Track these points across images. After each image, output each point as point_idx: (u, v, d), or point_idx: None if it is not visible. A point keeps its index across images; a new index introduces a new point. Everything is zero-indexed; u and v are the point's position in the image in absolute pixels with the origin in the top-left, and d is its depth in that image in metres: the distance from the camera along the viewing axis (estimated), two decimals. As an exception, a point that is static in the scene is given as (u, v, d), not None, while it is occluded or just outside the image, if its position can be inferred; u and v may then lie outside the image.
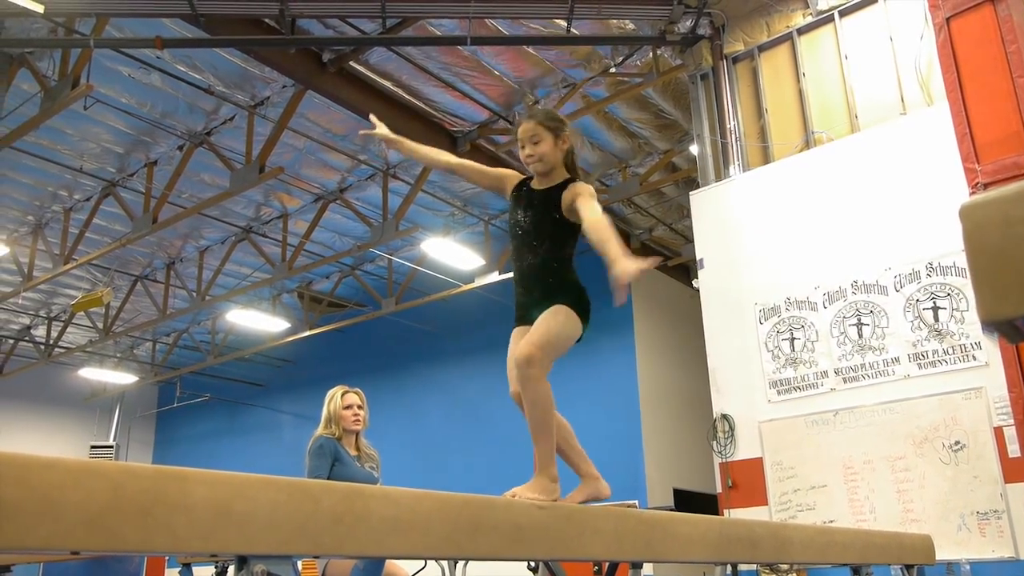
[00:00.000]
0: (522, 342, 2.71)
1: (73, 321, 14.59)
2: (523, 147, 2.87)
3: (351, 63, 8.16)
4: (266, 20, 7.38)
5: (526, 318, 2.84)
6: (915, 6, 6.27)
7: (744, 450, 6.18)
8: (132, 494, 1.30)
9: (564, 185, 2.82)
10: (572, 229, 2.80)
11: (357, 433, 4.26)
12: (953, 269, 5.53)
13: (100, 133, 9.29)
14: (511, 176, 3.03)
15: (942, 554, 4.59)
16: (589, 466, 2.91)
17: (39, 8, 5.90)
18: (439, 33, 7.74)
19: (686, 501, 10.86)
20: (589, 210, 2.68)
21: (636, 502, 10.09)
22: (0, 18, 6.69)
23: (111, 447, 16.25)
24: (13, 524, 1.17)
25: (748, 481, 6.11)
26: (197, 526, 1.39)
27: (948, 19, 3.15)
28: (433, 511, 1.85)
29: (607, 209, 11.19)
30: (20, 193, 10.62)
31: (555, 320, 2.69)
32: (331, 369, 13.89)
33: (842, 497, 5.62)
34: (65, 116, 8.40)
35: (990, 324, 0.77)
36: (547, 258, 2.80)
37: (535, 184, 2.91)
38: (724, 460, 6.26)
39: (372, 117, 3.31)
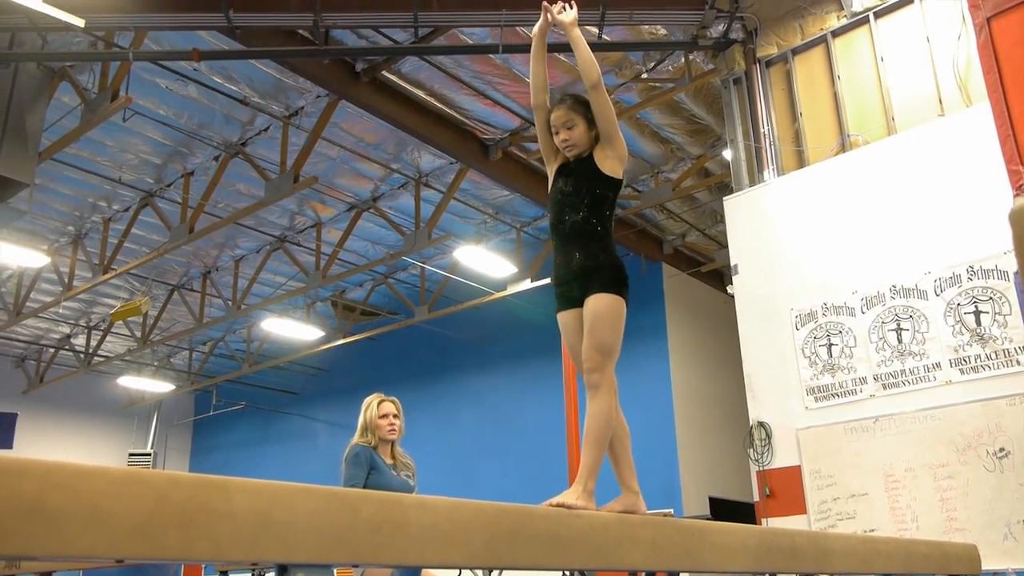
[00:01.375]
0: (586, 351, 2.79)
1: (112, 330, 14.83)
2: (557, 132, 3.00)
3: (384, 72, 8.21)
4: (300, 31, 7.46)
5: (570, 297, 2.91)
6: (952, 6, 6.17)
7: (781, 458, 6.10)
8: (175, 502, 1.31)
9: (592, 148, 2.99)
10: (610, 189, 2.95)
11: (393, 442, 4.27)
12: (995, 272, 5.42)
13: (138, 144, 9.44)
14: (551, 145, 3.13)
15: (987, 564, 4.49)
16: (633, 480, 2.96)
17: (80, 22, 6.01)
18: (471, 42, 7.77)
19: (722, 510, 10.75)
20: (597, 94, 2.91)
21: (671, 511, 10.01)
22: (42, 33, 6.82)
23: (149, 455, 16.47)
24: (60, 532, 1.18)
25: (786, 490, 6.03)
26: (239, 534, 1.39)
27: (989, 19, 3.09)
28: (471, 520, 1.84)
29: (641, 216, 11.15)
30: (61, 204, 10.82)
31: (606, 316, 2.78)
32: (364, 377, 13.97)
33: (883, 506, 5.53)
34: (104, 128, 8.57)
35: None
36: (587, 216, 2.90)
37: (571, 154, 3.03)
38: (761, 468, 6.19)
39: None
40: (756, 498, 6.24)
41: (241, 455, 17.67)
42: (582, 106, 2.98)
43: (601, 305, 2.78)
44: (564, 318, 2.96)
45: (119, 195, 10.60)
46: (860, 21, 6.72)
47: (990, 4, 3.07)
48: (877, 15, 6.63)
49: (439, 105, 8.84)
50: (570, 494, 2.53)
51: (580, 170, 3.00)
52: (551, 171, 3.12)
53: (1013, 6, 2.96)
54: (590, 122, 2.96)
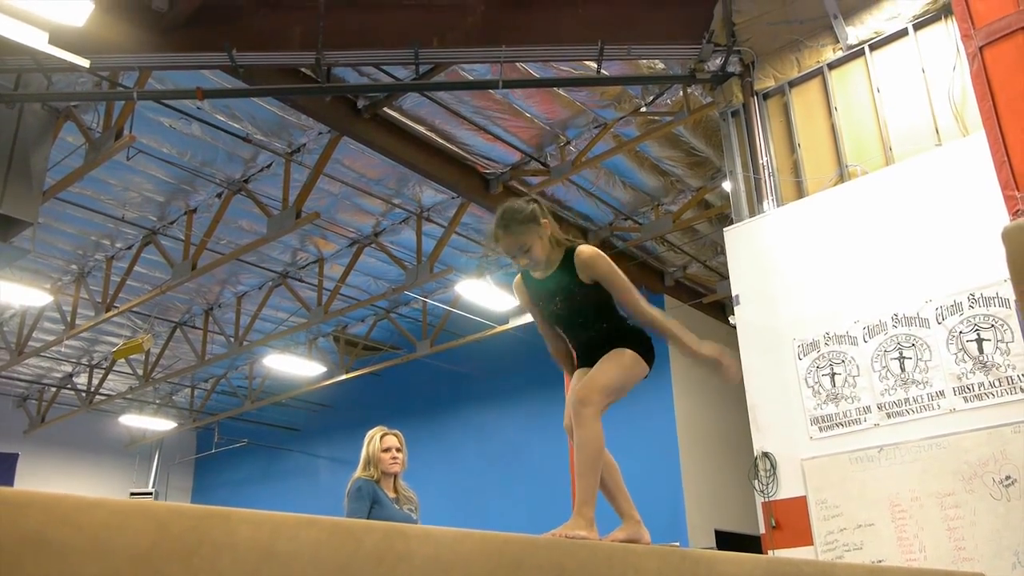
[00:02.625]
0: (583, 381, 2.73)
1: (114, 368, 14.81)
2: (515, 258, 2.83)
3: (385, 109, 8.30)
4: (302, 70, 7.56)
5: (589, 359, 2.84)
6: (946, 38, 6.25)
7: (787, 489, 6.06)
8: (177, 533, 1.31)
9: (569, 259, 2.80)
10: (605, 291, 2.81)
11: (396, 475, 4.25)
12: (996, 300, 5.42)
13: (141, 182, 9.51)
14: (518, 289, 3.03)
15: (997, 595, 4.44)
16: (632, 509, 2.92)
17: (85, 63, 6.09)
18: (471, 78, 7.85)
19: (729, 543, 10.64)
20: (627, 298, 2.74)
21: (677, 544, 9.91)
22: (47, 73, 6.91)
23: (150, 493, 16.38)
24: (63, 564, 1.18)
25: (792, 521, 5.98)
26: (241, 565, 1.39)
27: (981, 48, 3.14)
28: (475, 551, 1.83)
29: (641, 248, 11.19)
30: (64, 243, 10.88)
31: (619, 362, 2.73)
32: (367, 413, 13.91)
33: (890, 536, 5.48)
34: (108, 167, 8.64)
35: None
36: (600, 328, 2.84)
37: (538, 275, 2.88)
38: (766, 499, 6.14)
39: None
40: (762, 530, 6.18)
41: (243, 493, 17.55)
42: (527, 219, 2.77)
43: (618, 354, 2.75)
44: (580, 373, 2.91)
45: (122, 233, 10.65)
46: (856, 53, 6.79)
47: (982, 33, 3.12)
48: (872, 47, 6.71)
49: (440, 140, 8.92)
50: (571, 524, 2.52)
51: (561, 287, 2.84)
52: (527, 301, 3.01)
53: (1004, 35, 3.01)
54: (539, 228, 2.78)
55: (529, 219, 2.76)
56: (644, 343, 2.81)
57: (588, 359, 2.86)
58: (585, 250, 2.78)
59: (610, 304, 2.85)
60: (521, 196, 9.72)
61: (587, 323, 2.84)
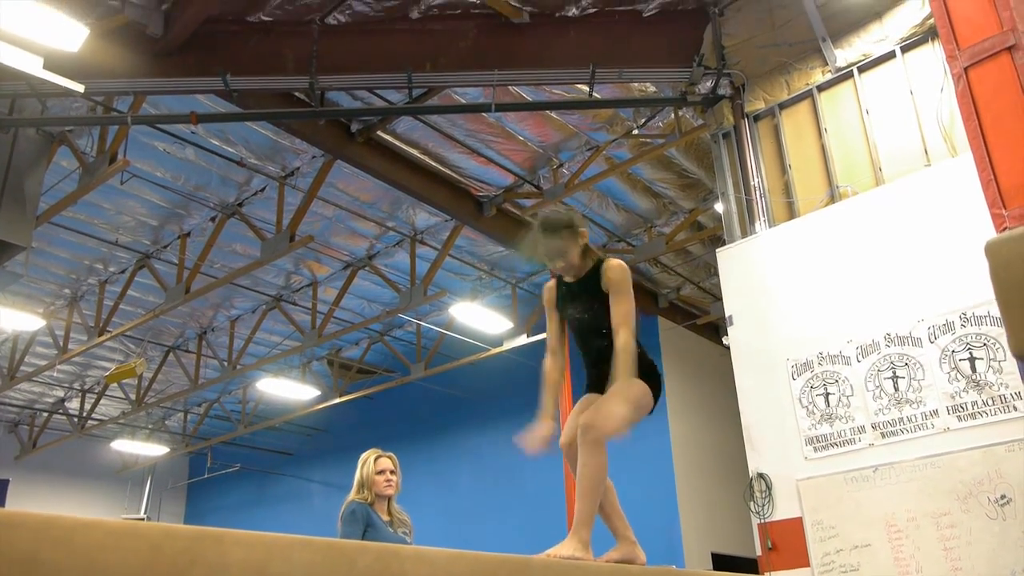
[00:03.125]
0: (592, 409, 2.82)
1: (106, 393, 14.74)
2: (551, 262, 3.02)
3: (379, 132, 8.35)
4: (296, 94, 7.60)
5: (598, 387, 2.98)
6: (933, 60, 6.32)
7: (783, 510, 6.04)
8: (170, 555, 1.31)
9: (597, 270, 2.98)
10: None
11: (389, 498, 4.23)
12: (988, 319, 5.45)
13: (135, 207, 9.52)
14: (548, 291, 3.18)
15: (994, 615, 4.43)
16: (628, 530, 2.97)
17: (80, 88, 6.12)
18: (464, 101, 7.91)
19: (725, 565, 10.59)
20: (621, 330, 2.84)
21: (673, 567, 9.85)
22: (42, 98, 6.94)
23: (142, 519, 16.23)
24: (54, 585, 1.18)
25: (788, 542, 5.95)
26: (234, 587, 1.39)
27: (966, 68, 3.19)
28: (468, 571, 1.83)
29: (635, 270, 11.22)
30: (57, 267, 10.86)
31: (629, 395, 2.81)
32: (361, 436, 13.81)
33: (886, 556, 5.46)
34: (102, 191, 8.65)
35: (1022, 357, 0.77)
36: (611, 340, 2.91)
37: (569, 279, 3.06)
38: (762, 521, 6.12)
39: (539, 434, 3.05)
40: (759, 552, 6.16)
41: (236, 518, 17.42)
42: (567, 227, 2.96)
43: (630, 384, 2.81)
44: (586, 400, 3.03)
45: (115, 257, 10.64)
46: (844, 76, 6.86)
47: (966, 54, 3.16)
48: (861, 70, 6.77)
49: (433, 163, 8.96)
50: (567, 545, 2.54)
51: (587, 293, 3.00)
52: (552, 305, 3.16)
53: (988, 56, 3.05)
54: (576, 237, 2.97)
55: (568, 226, 2.95)
56: (653, 376, 2.92)
57: (597, 377, 2.98)
58: (612, 262, 2.97)
59: None
60: (514, 219, 9.79)
61: (602, 333, 2.95)
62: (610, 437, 2.76)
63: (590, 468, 2.71)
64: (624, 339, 2.81)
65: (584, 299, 2.99)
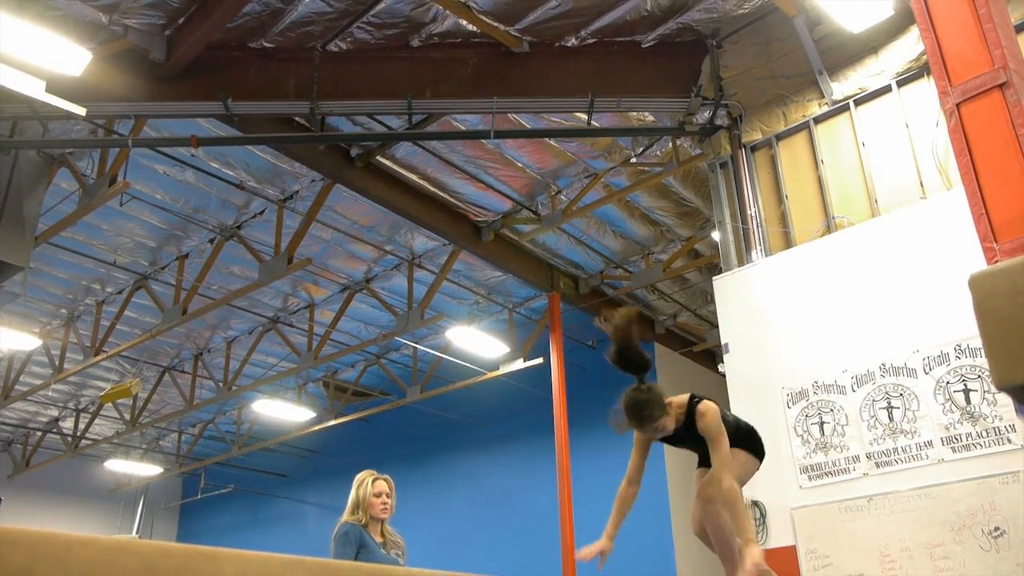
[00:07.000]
0: (705, 481, 3.32)
1: (101, 413, 14.70)
2: (652, 437, 3.49)
3: (378, 157, 8.40)
4: (296, 118, 7.66)
5: (708, 463, 3.42)
6: (929, 94, 6.39)
7: (776, 538, 6.03)
8: (163, 572, 1.32)
9: (691, 413, 3.40)
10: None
11: (383, 520, 4.23)
12: (982, 351, 5.46)
13: (134, 228, 9.55)
14: (648, 436, 3.56)
15: (988, 647, 4.40)
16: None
17: (81, 111, 6.17)
18: (463, 128, 7.97)
19: (719, 595, 10.51)
20: (716, 451, 3.29)
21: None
22: (43, 121, 6.99)
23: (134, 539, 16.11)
24: (49, 602, 1.19)
25: (782, 571, 5.92)
26: (226, 607, 1.40)
27: (958, 105, 3.24)
28: (460, 595, 1.84)
29: (632, 296, 11.25)
30: (55, 287, 10.87)
31: (735, 464, 3.30)
32: (355, 459, 13.73)
33: (880, 587, 5.44)
34: (101, 212, 8.69)
35: (1004, 389, 0.79)
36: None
37: (671, 428, 3.44)
38: (756, 550, 6.10)
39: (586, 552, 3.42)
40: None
41: (229, 539, 17.30)
42: (658, 411, 3.31)
43: (735, 454, 3.31)
44: (699, 474, 3.53)
45: (113, 278, 10.66)
46: (841, 108, 6.93)
47: (958, 91, 3.22)
48: (857, 103, 6.85)
49: (432, 189, 9.02)
50: (756, 554, 3.06)
51: (691, 440, 3.46)
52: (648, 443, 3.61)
53: (980, 93, 3.11)
54: (665, 414, 3.33)
55: (659, 413, 3.32)
56: (757, 444, 3.43)
57: (707, 461, 3.44)
58: (703, 408, 3.37)
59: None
60: (512, 244, 9.85)
61: (706, 447, 3.39)
62: (724, 504, 3.25)
63: (718, 531, 3.27)
64: (727, 484, 3.20)
65: (689, 443, 3.46)
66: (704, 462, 3.46)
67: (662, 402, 3.32)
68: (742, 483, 3.31)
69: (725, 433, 3.29)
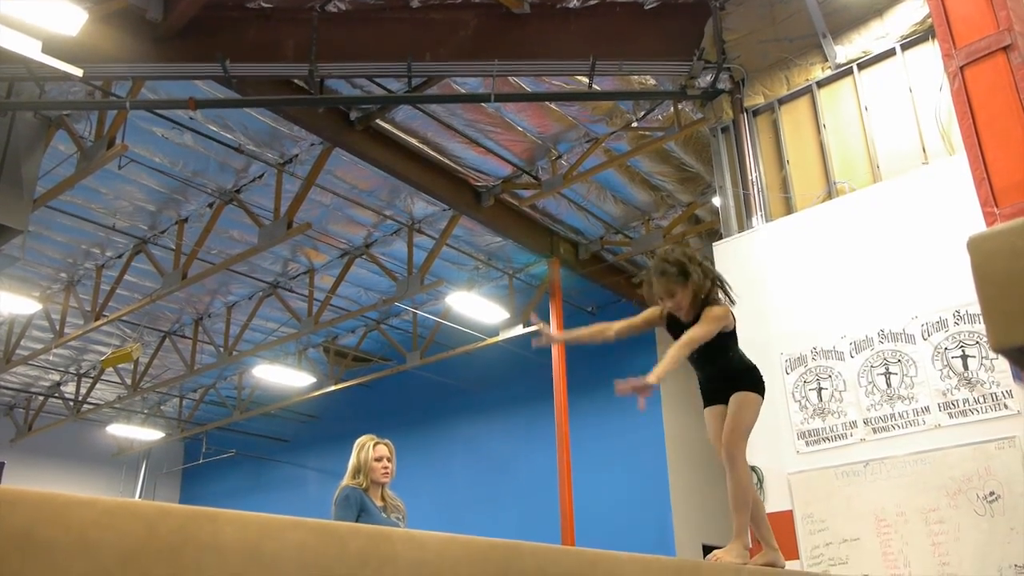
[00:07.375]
0: (726, 431, 3.29)
1: (102, 378, 14.75)
2: (662, 300, 3.32)
3: (378, 121, 8.34)
4: (295, 81, 7.59)
5: (715, 400, 3.41)
6: (933, 58, 6.32)
7: (773, 503, 6.08)
8: (164, 533, 1.33)
9: (699, 310, 3.31)
10: (727, 339, 3.34)
11: (383, 484, 4.26)
12: (980, 317, 5.47)
13: (133, 192, 9.52)
14: (656, 313, 3.47)
15: (980, 609, 4.46)
16: (771, 537, 3.49)
17: (78, 72, 6.11)
18: (463, 91, 7.91)
19: (716, 557, 10.63)
20: (697, 327, 3.18)
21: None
22: (40, 82, 6.93)
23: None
24: (50, 562, 1.19)
25: (779, 535, 5.95)
26: (227, 566, 1.40)
27: (962, 67, 3.20)
28: (461, 556, 1.85)
29: (632, 262, 11.24)
30: (54, 251, 10.85)
31: (743, 409, 3.29)
32: (356, 424, 13.85)
33: (875, 550, 5.50)
34: (99, 176, 8.64)
35: (1001, 351, 0.79)
36: (722, 364, 3.37)
37: (683, 317, 3.35)
38: (753, 513, 6.15)
39: (534, 318, 3.58)
40: (749, 544, 6.19)
41: (231, 503, 17.44)
42: (680, 273, 3.22)
43: (740, 403, 3.28)
44: (709, 414, 3.44)
45: (113, 242, 10.64)
46: (844, 72, 6.87)
47: (963, 53, 3.18)
48: (860, 67, 6.78)
49: (432, 153, 8.96)
50: (731, 551, 3.10)
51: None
52: (660, 318, 3.45)
53: (984, 55, 3.07)
54: (686, 285, 3.22)
55: (679, 274, 3.22)
56: (757, 381, 3.37)
57: (711, 394, 3.44)
58: (714, 307, 3.27)
59: (724, 348, 3.34)
60: (512, 210, 9.81)
61: (708, 361, 3.35)
62: (743, 449, 3.25)
63: (735, 483, 3.20)
64: (685, 338, 3.11)
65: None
66: (711, 400, 3.41)
67: (687, 276, 3.22)
68: (751, 426, 3.32)
69: (718, 327, 3.20)
